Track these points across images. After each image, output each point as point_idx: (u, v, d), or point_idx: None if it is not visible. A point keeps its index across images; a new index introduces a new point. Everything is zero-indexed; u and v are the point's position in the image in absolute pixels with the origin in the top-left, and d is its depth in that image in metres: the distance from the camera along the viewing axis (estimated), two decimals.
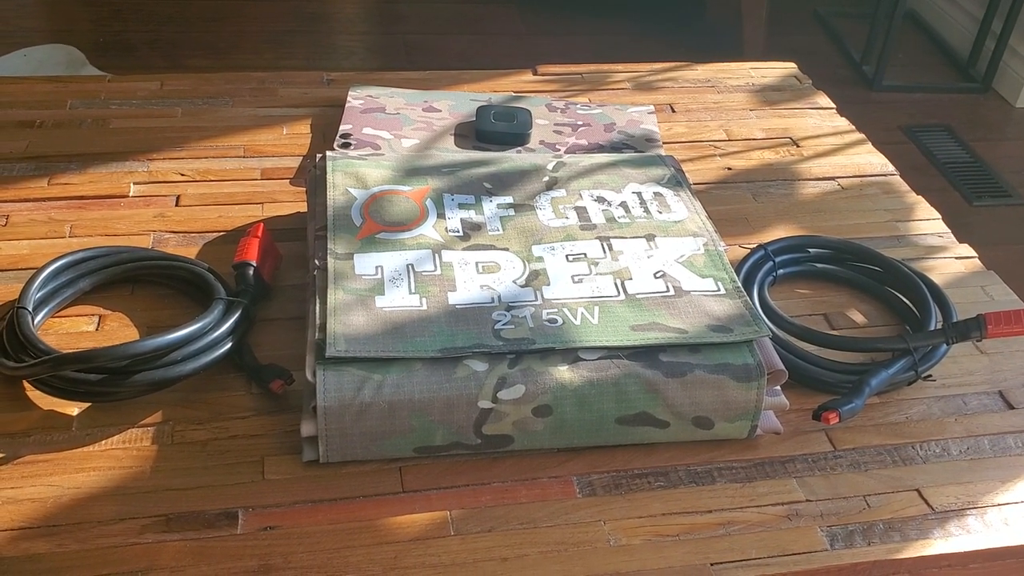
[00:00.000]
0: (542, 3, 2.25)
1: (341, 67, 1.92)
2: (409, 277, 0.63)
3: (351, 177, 0.71)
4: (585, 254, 0.66)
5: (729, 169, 0.89)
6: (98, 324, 0.66)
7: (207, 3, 2.09)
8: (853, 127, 0.98)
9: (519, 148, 0.86)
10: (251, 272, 0.67)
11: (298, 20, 2.06)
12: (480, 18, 2.16)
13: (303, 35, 2.00)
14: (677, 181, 0.75)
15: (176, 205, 0.78)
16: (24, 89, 0.92)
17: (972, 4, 2.21)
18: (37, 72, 1.74)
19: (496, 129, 0.87)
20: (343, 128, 0.87)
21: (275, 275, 0.71)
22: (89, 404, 0.59)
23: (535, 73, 1.03)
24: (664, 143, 0.91)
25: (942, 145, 1.78)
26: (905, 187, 0.89)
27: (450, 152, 0.84)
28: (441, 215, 0.69)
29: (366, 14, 2.18)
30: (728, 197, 0.85)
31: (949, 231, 0.83)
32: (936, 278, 0.76)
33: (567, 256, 0.66)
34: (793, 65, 1.09)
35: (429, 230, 0.67)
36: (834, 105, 1.01)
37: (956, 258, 0.80)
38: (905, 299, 0.73)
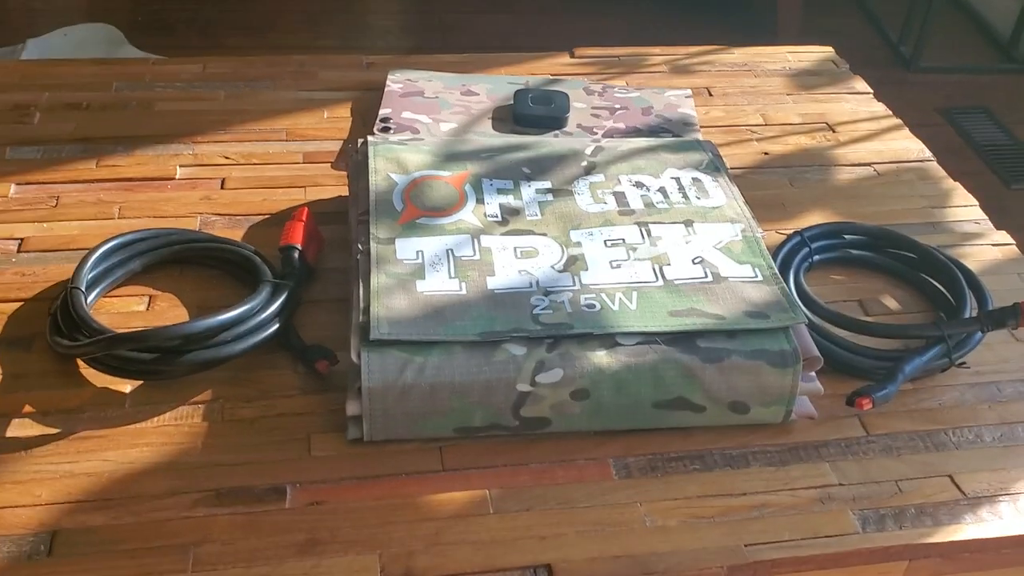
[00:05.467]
0: None
1: (376, 46, 1.93)
2: (449, 262, 0.64)
3: (392, 162, 0.73)
4: (623, 239, 0.67)
5: (766, 154, 0.89)
6: (148, 304, 0.68)
7: None
8: (890, 112, 0.97)
9: (557, 132, 0.87)
10: (296, 255, 0.69)
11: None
12: None
13: (338, 14, 2.01)
14: (715, 167, 0.76)
15: (221, 188, 0.80)
16: (71, 71, 0.94)
17: None
18: (77, 50, 1.76)
19: (534, 113, 0.88)
20: (383, 112, 0.88)
21: (319, 257, 0.72)
22: (142, 382, 0.61)
23: (572, 56, 1.04)
24: (701, 127, 0.92)
25: (980, 127, 1.76)
26: (942, 173, 0.89)
27: (488, 136, 0.85)
28: (480, 200, 0.70)
29: None
30: (765, 182, 0.85)
31: (986, 217, 0.83)
32: (972, 265, 0.76)
33: (605, 241, 0.67)
34: (830, 49, 1.08)
35: (468, 215, 0.69)
36: (871, 90, 1.01)
37: (993, 245, 0.80)
38: (940, 286, 0.73)
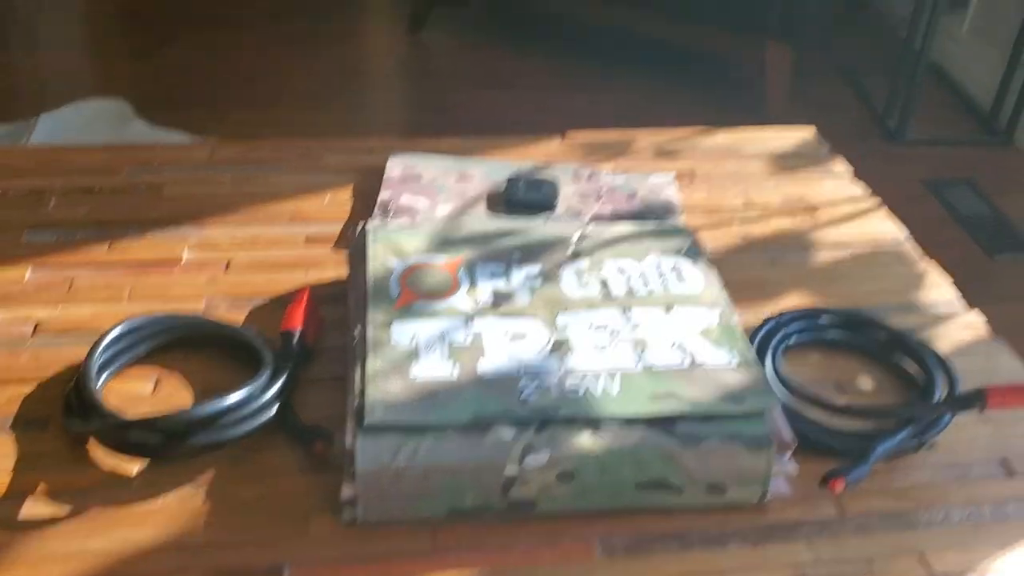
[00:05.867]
0: (572, 60, 2.32)
1: (378, 122, 2.00)
2: (442, 345, 0.68)
3: (389, 248, 0.77)
4: (606, 324, 0.71)
5: (747, 237, 0.93)
6: (155, 386, 0.71)
7: (249, 61, 2.18)
8: (869, 192, 1.02)
9: (547, 216, 0.92)
10: (296, 338, 0.72)
11: (335, 76, 2.15)
12: (512, 73, 2.24)
13: (339, 90, 2.08)
14: (695, 252, 0.79)
15: (226, 270, 0.84)
16: (83, 157, 0.99)
17: (994, 57, 2.25)
18: (89, 125, 1.83)
19: (525, 198, 0.92)
20: (382, 196, 0.93)
21: (318, 338, 0.76)
22: (148, 462, 0.64)
23: (563, 138, 1.08)
24: (685, 209, 0.96)
25: (964, 199, 1.81)
26: (917, 254, 0.93)
27: (482, 221, 0.90)
28: (473, 285, 0.74)
29: (401, 70, 2.26)
30: (745, 264, 0.89)
31: (959, 298, 0.87)
32: (944, 345, 0.79)
33: (590, 325, 0.70)
34: (812, 129, 1.13)
35: (462, 299, 0.72)
36: (851, 170, 1.06)
37: (964, 326, 0.83)
38: (912, 367, 0.76)
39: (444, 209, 0.91)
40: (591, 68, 2.29)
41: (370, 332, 0.68)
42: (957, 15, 2.33)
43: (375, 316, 0.70)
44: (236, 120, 1.91)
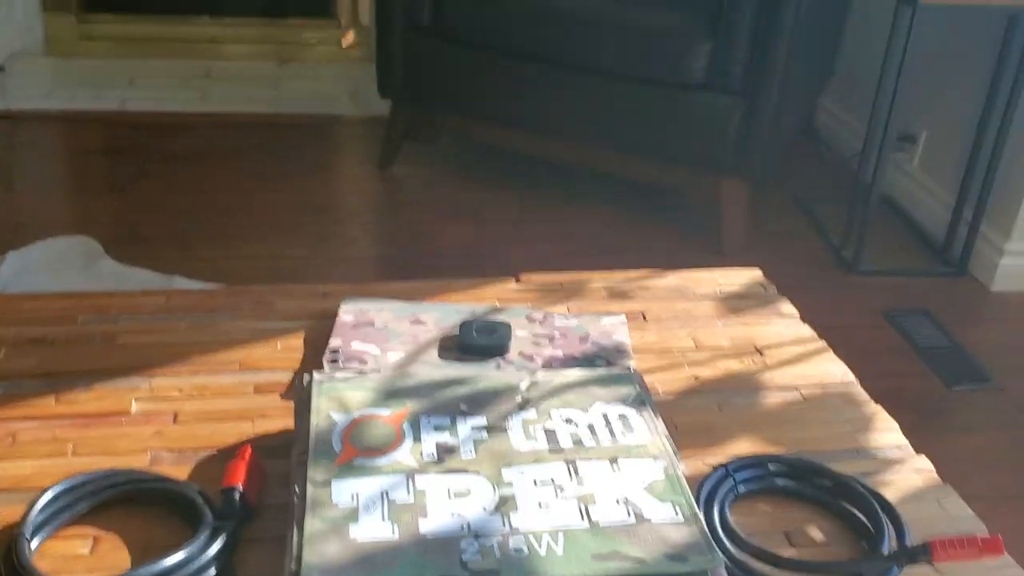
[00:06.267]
0: (538, 192, 2.39)
1: (344, 255, 2.03)
2: (383, 504, 0.67)
3: (334, 401, 0.77)
4: (552, 479, 0.70)
5: (696, 379, 0.94)
6: (92, 546, 0.69)
7: (218, 195, 2.23)
8: (815, 335, 1.04)
9: (499, 360, 0.92)
10: (237, 496, 0.71)
11: (304, 211, 2.19)
12: (481, 205, 2.30)
13: (308, 225, 2.12)
14: (641, 400, 0.80)
15: (174, 422, 0.83)
16: (40, 305, 0.99)
17: (943, 191, 2.33)
18: (57, 262, 1.84)
19: (478, 343, 0.93)
20: (332, 343, 0.93)
21: (261, 494, 0.75)
22: None
23: (518, 281, 1.10)
24: (635, 351, 0.97)
25: (921, 329, 1.85)
26: (865, 396, 0.94)
27: (433, 366, 0.90)
28: (417, 439, 0.74)
29: (371, 205, 2.31)
30: (694, 407, 0.90)
31: (907, 442, 0.87)
32: (893, 491, 0.79)
33: (535, 480, 0.70)
34: (758, 271, 1.16)
35: (405, 455, 0.72)
36: (796, 312, 1.08)
37: (914, 471, 0.84)
38: (861, 515, 0.76)
39: (396, 355, 0.92)
40: (556, 200, 2.36)
41: (310, 491, 0.68)
42: (906, 152, 2.43)
43: (315, 474, 0.69)
44: (203, 256, 1.93)
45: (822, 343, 1.02)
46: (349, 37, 3.35)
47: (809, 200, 2.42)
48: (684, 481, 0.71)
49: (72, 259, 1.84)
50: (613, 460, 0.72)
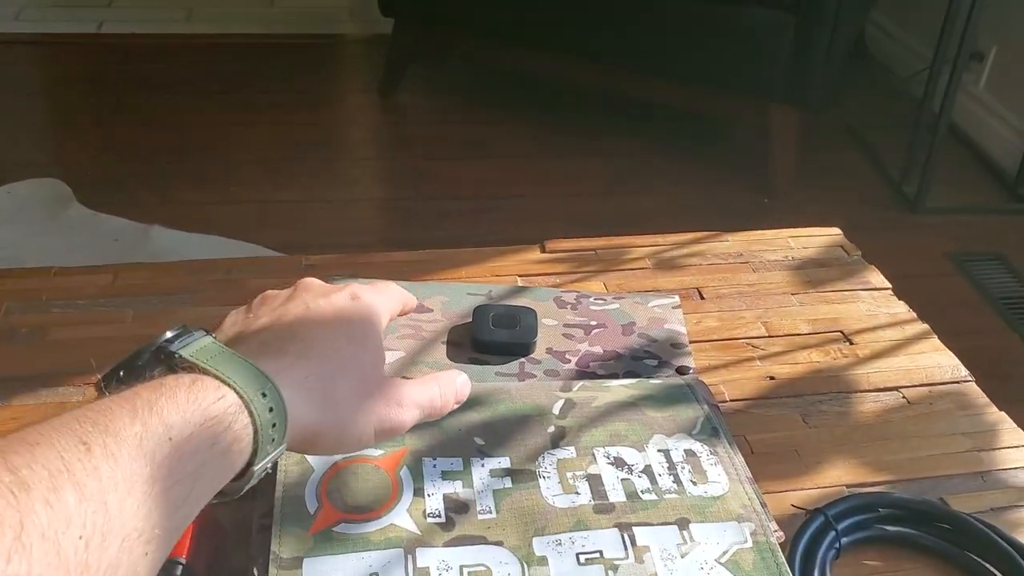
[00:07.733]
0: (554, 124, 2.16)
1: (341, 198, 1.82)
2: None
3: None
4: (601, 552, 0.52)
5: (772, 378, 0.75)
6: None
7: (203, 130, 2.00)
8: (914, 314, 0.84)
9: (523, 360, 0.73)
10: (179, 573, 0.53)
11: (296, 147, 1.97)
12: (490, 140, 2.07)
13: (302, 163, 1.91)
14: (713, 427, 0.61)
15: None
16: None
17: (1014, 116, 2.08)
18: (22, 209, 1.64)
19: (495, 339, 0.74)
20: None
21: (217, 557, 0.57)
22: None
23: (543, 251, 0.91)
24: (692, 341, 0.78)
25: (995, 276, 1.63)
26: (984, 399, 0.75)
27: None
28: (419, 491, 0.55)
29: (372, 139, 2.09)
30: (773, 420, 0.71)
31: None
32: None
33: (578, 556, 0.52)
34: (838, 231, 0.96)
35: (402, 516, 0.54)
36: (889, 285, 0.88)
37: None
38: (994, 569, 0.58)
39: (394, 355, 0.73)
40: (575, 132, 2.12)
41: (272, 574, 0.49)
42: (971, 72, 2.16)
43: (281, 549, 0.51)
44: (183, 200, 1.73)
45: (924, 326, 0.83)
46: None
47: (863, 129, 2.17)
48: (779, 552, 0.53)
49: (39, 205, 1.64)
50: (683, 523, 0.54)
